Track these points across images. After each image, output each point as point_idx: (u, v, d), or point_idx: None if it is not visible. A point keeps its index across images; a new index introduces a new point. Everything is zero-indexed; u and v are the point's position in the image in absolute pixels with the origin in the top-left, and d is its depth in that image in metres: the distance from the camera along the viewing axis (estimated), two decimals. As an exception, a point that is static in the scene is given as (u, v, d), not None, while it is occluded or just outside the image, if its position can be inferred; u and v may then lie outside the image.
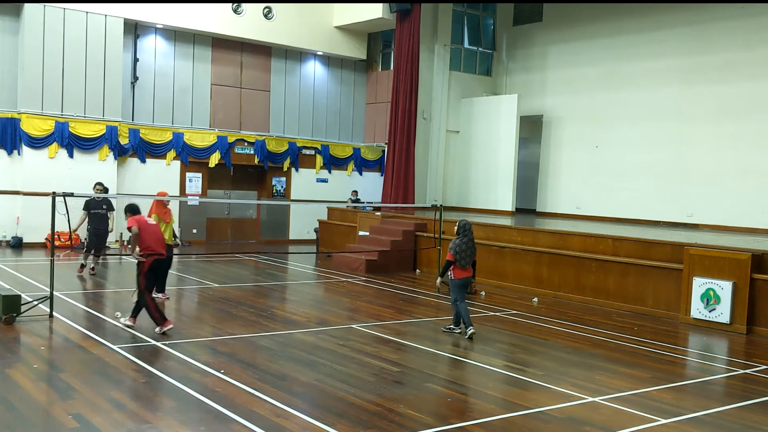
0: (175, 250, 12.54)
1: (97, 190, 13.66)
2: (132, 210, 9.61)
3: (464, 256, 9.63)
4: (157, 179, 19.82)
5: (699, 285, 11.37)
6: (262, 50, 21.79)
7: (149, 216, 10.44)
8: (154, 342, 8.59)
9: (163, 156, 20.14)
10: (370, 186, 23.68)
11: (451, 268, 9.64)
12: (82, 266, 13.74)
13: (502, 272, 14.71)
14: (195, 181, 20.93)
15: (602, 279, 13.03)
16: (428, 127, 21.73)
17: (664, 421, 6.41)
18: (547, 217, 20.90)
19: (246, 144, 21.48)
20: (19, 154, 18.12)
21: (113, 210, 13.88)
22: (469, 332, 9.52)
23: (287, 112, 22.53)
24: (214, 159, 20.87)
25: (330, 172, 23.32)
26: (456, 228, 9.91)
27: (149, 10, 19.16)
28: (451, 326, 9.97)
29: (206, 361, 7.79)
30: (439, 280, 10.10)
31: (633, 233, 14.26)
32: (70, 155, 18.37)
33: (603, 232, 14.03)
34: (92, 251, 13.68)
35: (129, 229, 9.25)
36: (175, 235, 12.01)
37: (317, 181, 23.12)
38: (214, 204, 20.98)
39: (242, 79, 21.56)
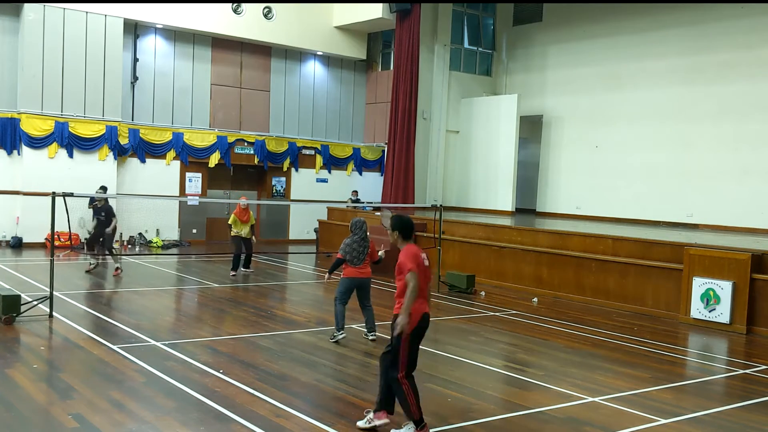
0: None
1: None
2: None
3: (355, 255, 9.10)
4: (156, 179, 19.85)
5: (699, 285, 11.37)
6: (262, 50, 21.79)
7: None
8: (154, 342, 8.59)
9: (162, 156, 20.13)
10: (370, 186, 23.67)
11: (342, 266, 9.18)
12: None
13: (502, 272, 14.71)
14: (195, 181, 20.92)
15: (602, 279, 13.02)
16: (428, 127, 21.72)
17: (664, 421, 6.41)
18: (547, 217, 20.90)
19: (246, 144, 21.47)
20: (18, 154, 18.11)
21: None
22: (337, 337, 9.01)
23: (287, 112, 22.52)
24: (214, 159, 20.86)
25: (330, 172, 23.31)
26: (350, 225, 9.35)
27: (149, 10, 19.15)
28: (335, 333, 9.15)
29: (206, 361, 7.78)
30: (327, 275, 9.32)
31: (633, 233, 14.25)
32: (70, 155, 18.37)
33: (603, 232, 14.02)
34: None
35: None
36: (252, 232, 14.85)
37: (317, 181, 23.11)
38: (214, 204, 20.97)
39: (242, 79, 21.55)
